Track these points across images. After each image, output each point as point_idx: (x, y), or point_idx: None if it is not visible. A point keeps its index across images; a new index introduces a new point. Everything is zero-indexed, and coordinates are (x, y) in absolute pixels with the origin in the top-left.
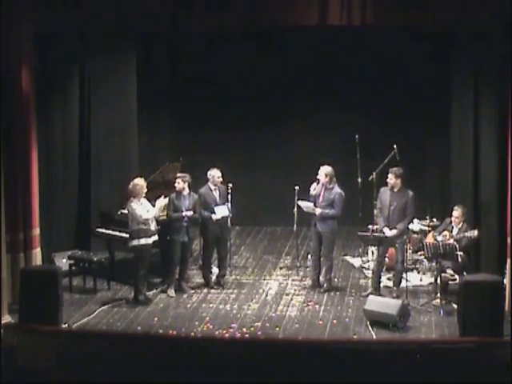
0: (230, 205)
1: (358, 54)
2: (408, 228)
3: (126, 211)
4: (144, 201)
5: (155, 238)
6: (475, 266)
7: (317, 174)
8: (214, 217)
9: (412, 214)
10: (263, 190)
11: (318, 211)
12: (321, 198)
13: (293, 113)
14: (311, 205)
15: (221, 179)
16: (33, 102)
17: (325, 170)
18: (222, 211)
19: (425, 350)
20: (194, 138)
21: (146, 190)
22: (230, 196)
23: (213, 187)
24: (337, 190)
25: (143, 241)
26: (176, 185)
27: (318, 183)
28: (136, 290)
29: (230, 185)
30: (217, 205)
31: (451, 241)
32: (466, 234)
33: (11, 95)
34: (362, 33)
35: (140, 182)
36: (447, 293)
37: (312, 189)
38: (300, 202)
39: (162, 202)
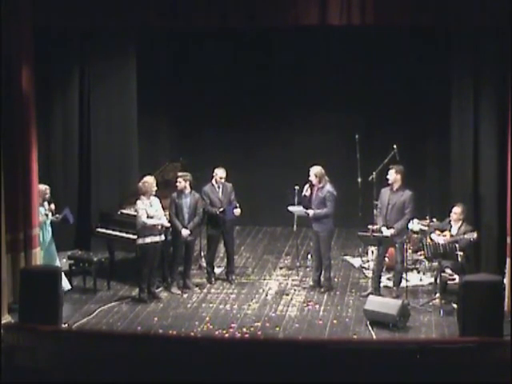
0: (236, 204)
1: (358, 54)
2: (408, 228)
3: (126, 211)
4: (153, 200)
5: (161, 237)
6: (475, 266)
7: (309, 176)
8: (226, 217)
9: (411, 214)
10: (263, 190)
11: (311, 213)
12: (313, 197)
13: (293, 113)
14: (301, 208)
15: (222, 179)
16: (33, 101)
17: (314, 171)
18: (232, 212)
19: (425, 350)
20: (194, 138)
21: (155, 189)
22: (232, 194)
23: (216, 185)
24: (327, 188)
25: (148, 239)
26: (178, 184)
27: (310, 185)
28: (139, 288)
29: (230, 185)
30: (220, 202)
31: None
32: (466, 236)
33: (11, 95)
34: (361, 33)
35: (149, 180)
36: (447, 293)
37: (305, 190)
38: (291, 208)
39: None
